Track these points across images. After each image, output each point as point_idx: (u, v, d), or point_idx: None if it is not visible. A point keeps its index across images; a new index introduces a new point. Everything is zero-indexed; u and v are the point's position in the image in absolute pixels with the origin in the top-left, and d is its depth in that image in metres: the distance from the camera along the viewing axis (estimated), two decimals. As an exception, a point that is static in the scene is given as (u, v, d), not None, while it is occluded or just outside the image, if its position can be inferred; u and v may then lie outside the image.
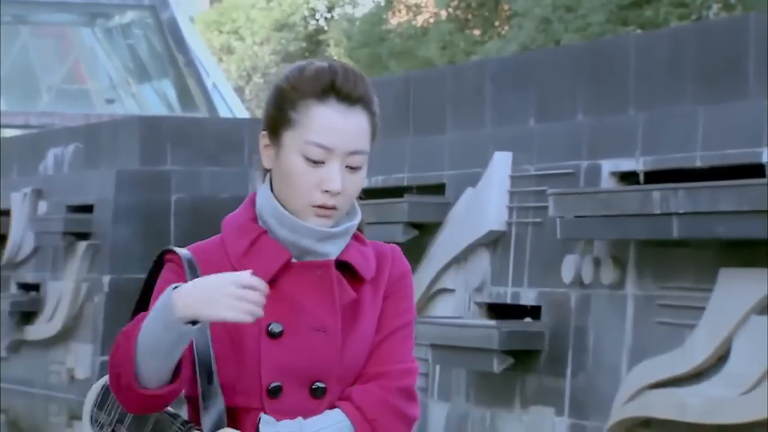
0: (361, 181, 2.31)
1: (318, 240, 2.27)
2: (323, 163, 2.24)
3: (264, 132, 2.30)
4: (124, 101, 24.82)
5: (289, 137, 2.25)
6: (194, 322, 2.16)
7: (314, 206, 2.25)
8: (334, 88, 2.25)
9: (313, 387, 2.24)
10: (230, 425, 2.24)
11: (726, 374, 7.09)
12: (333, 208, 2.26)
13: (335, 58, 26.52)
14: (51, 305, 13.47)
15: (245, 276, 2.14)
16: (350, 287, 2.31)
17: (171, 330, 2.16)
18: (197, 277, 2.23)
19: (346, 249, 2.32)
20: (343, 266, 2.32)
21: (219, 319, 2.15)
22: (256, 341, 2.24)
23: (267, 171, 2.31)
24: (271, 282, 2.25)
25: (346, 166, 2.26)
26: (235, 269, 2.25)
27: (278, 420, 2.24)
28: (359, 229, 2.38)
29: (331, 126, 2.25)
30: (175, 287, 2.21)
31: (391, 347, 2.32)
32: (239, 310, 2.13)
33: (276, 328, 2.24)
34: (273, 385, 2.24)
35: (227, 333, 2.25)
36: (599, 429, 7.85)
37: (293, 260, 2.29)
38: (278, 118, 2.27)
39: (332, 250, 2.28)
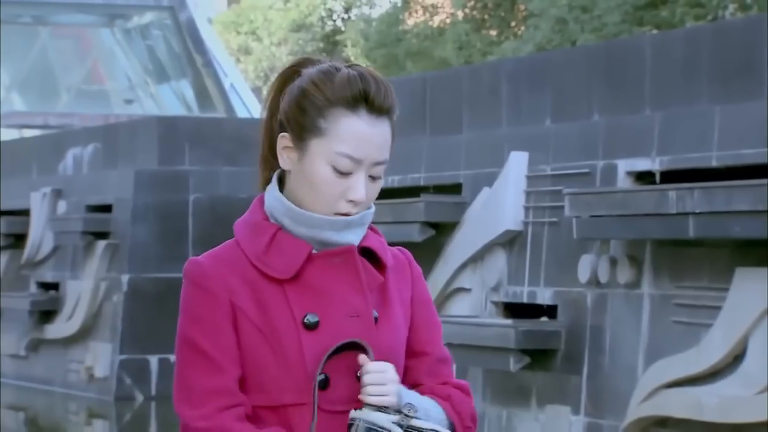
0: (379, 188, 2.31)
1: (338, 230, 2.27)
2: (350, 173, 2.25)
3: (285, 134, 2.28)
4: (143, 102, 24.91)
5: (316, 145, 2.24)
6: None
7: (337, 213, 2.26)
8: (367, 99, 2.25)
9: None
10: (282, 424, 2.24)
11: (742, 373, 7.10)
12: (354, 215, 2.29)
13: (352, 58, 26.55)
14: (70, 304, 13.54)
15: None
16: (377, 272, 2.31)
17: None
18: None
19: (366, 237, 2.32)
20: (364, 253, 2.32)
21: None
22: (295, 335, 2.24)
23: (271, 171, 2.31)
24: (296, 276, 2.26)
25: (369, 176, 2.27)
26: (256, 267, 2.25)
27: (332, 411, 2.25)
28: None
29: (362, 138, 2.25)
30: None
31: (448, 363, 2.37)
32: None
33: (312, 318, 2.24)
34: (321, 376, 2.23)
35: (261, 335, 2.25)
36: (615, 428, 7.87)
37: (314, 251, 2.28)
38: (305, 124, 2.25)
39: (353, 239, 2.29)
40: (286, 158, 2.31)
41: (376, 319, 2.30)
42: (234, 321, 2.27)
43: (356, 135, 2.26)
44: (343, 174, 2.27)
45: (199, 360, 2.26)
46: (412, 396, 2.28)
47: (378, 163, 2.29)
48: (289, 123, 2.30)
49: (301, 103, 2.28)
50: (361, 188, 2.27)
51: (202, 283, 2.28)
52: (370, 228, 2.37)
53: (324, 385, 2.26)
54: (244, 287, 2.28)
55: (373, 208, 2.36)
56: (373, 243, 2.35)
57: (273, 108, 2.34)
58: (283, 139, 2.31)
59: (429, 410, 2.29)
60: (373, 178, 2.30)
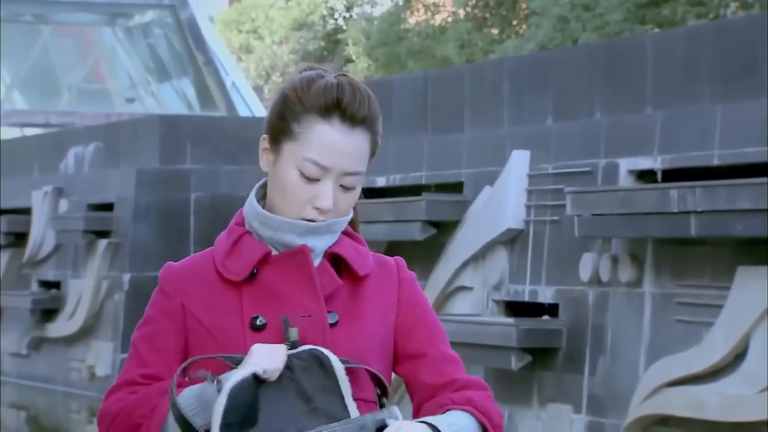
0: (353, 199, 2.31)
1: (300, 234, 2.28)
2: (318, 180, 2.26)
3: (265, 136, 2.32)
4: (144, 100, 24.91)
5: (288, 149, 2.27)
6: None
7: (303, 219, 2.28)
8: (340, 107, 2.25)
9: None
10: None
11: (743, 372, 7.10)
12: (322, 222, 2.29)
13: (353, 57, 26.53)
14: (72, 303, 13.54)
15: None
16: (336, 275, 2.31)
17: None
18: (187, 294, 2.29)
19: (337, 243, 2.33)
20: (337, 261, 2.33)
21: None
22: (242, 337, 2.27)
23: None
24: (252, 278, 2.29)
25: (341, 185, 2.28)
26: (218, 271, 2.30)
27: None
28: (353, 228, 2.39)
29: (331, 146, 2.25)
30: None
31: (454, 360, 2.35)
32: None
33: (260, 321, 2.27)
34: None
35: (210, 336, 2.29)
36: (617, 427, 7.87)
37: (273, 254, 2.31)
38: (280, 127, 2.28)
39: (316, 245, 2.30)
40: (264, 160, 2.36)
41: (337, 322, 2.30)
42: (183, 324, 2.33)
43: (326, 143, 2.28)
44: (310, 180, 2.29)
45: (130, 357, 2.35)
46: (441, 421, 2.25)
47: (349, 174, 2.30)
48: (269, 126, 2.35)
49: (280, 107, 2.32)
50: (327, 196, 2.28)
51: (162, 286, 2.36)
52: (349, 235, 2.37)
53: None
54: (200, 291, 2.33)
55: (348, 217, 2.36)
56: (344, 249, 2.35)
57: None
58: (263, 141, 2.35)
59: (463, 428, 2.28)
60: (345, 188, 2.30)
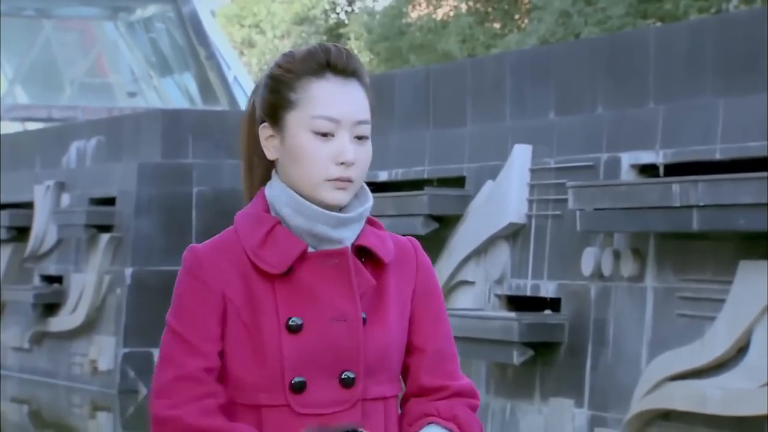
0: (369, 151, 2.30)
1: (333, 226, 2.26)
2: (333, 136, 2.25)
3: (264, 124, 2.30)
4: (146, 94, 24.91)
5: (292, 118, 2.26)
6: None
7: (330, 180, 2.25)
8: (329, 63, 2.27)
9: (342, 377, 2.24)
10: (255, 424, 2.24)
11: (746, 366, 7.10)
12: (348, 180, 2.26)
13: (355, 51, 26.52)
14: (74, 297, 13.55)
15: None
16: (369, 273, 2.30)
17: None
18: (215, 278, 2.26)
19: (362, 234, 2.31)
20: (361, 251, 2.31)
21: None
22: (277, 337, 2.24)
23: (263, 163, 2.30)
24: (288, 273, 2.26)
25: (355, 137, 2.26)
26: (250, 261, 2.26)
27: (305, 414, 2.24)
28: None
29: (334, 98, 2.26)
30: None
31: (452, 359, 2.34)
32: None
33: (295, 322, 2.24)
34: (296, 380, 2.23)
35: (246, 331, 2.25)
36: (619, 421, 7.87)
37: (309, 250, 2.28)
38: (277, 102, 2.28)
39: (348, 236, 2.28)
40: (271, 148, 2.32)
41: (365, 320, 2.28)
42: (223, 313, 2.28)
43: (328, 95, 2.28)
44: (325, 136, 2.27)
45: (178, 346, 2.27)
46: None
47: (359, 122, 2.29)
48: (264, 110, 2.32)
49: (270, 85, 2.31)
50: (348, 148, 2.27)
51: (196, 272, 2.29)
52: (369, 221, 2.35)
53: (300, 388, 2.26)
54: (238, 280, 2.28)
55: (371, 202, 2.35)
56: (371, 241, 2.32)
57: (251, 110, 2.36)
58: (264, 130, 2.32)
59: None
60: (359, 138, 2.29)
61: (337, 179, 2.27)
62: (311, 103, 2.28)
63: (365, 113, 2.30)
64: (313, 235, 2.30)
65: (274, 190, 2.32)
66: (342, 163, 2.27)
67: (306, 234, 2.30)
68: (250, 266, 2.29)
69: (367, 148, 2.30)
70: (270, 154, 2.32)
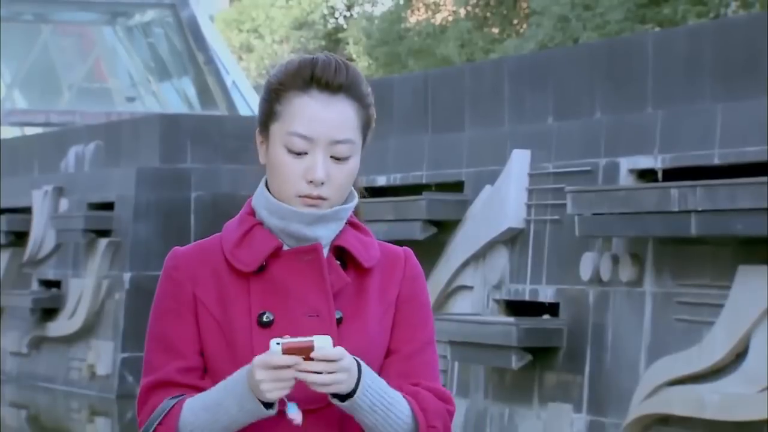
0: (349, 171, 2.28)
1: (307, 224, 2.27)
2: (306, 153, 2.25)
3: (258, 129, 2.33)
4: (145, 99, 24.92)
5: (275, 129, 2.27)
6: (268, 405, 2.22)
7: (301, 196, 2.26)
8: (314, 77, 2.26)
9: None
10: None
11: (744, 371, 7.10)
12: (319, 197, 2.26)
13: (354, 56, 26.53)
14: (72, 302, 13.54)
15: (269, 359, 2.18)
16: (352, 275, 2.29)
17: (249, 413, 2.21)
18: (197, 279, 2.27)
19: (341, 234, 2.31)
20: (342, 253, 2.31)
21: (271, 401, 2.20)
22: (248, 332, 2.25)
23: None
24: (261, 270, 2.27)
25: (332, 156, 2.25)
26: (227, 261, 2.29)
27: (282, 411, 2.21)
28: (357, 216, 2.36)
29: (312, 116, 2.25)
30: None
31: (426, 364, 2.31)
32: (278, 389, 2.18)
33: (268, 316, 2.25)
34: None
35: (218, 328, 2.27)
36: (617, 426, 7.87)
37: (285, 248, 2.29)
38: (266, 112, 2.30)
39: (324, 234, 2.28)
40: (261, 153, 2.35)
41: (341, 319, 2.28)
42: (195, 312, 2.31)
43: (306, 114, 2.27)
44: (299, 154, 2.27)
45: (156, 348, 2.31)
46: (377, 382, 2.23)
47: (337, 142, 2.27)
48: (258, 116, 2.35)
49: (264, 93, 2.33)
50: (318, 168, 2.26)
51: (171, 273, 2.33)
52: (354, 225, 2.35)
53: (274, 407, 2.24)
54: (209, 279, 2.31)
55: (354, 203, 2.34)
56: (349, 241, 2.32)
57: None
58: (258, 135, 2.35)
59: (392, 402, 2.23)
60: (337, 159, 2.28)
61: (306, 196, 2.28)
62: (290, 118, 2.28)
63: (346, 132, 2.28)
64: (289, 234, 2.30)
65: (256, 193, 2.36)
66: (311, 181, 2.27)
67: (283, 234, 2.31)
68: (226, 266, 2.31)
69: (347, 166, 2.29)
70: (261, 159, 2.35)
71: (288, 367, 2.17)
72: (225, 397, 2.23)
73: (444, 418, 2.31)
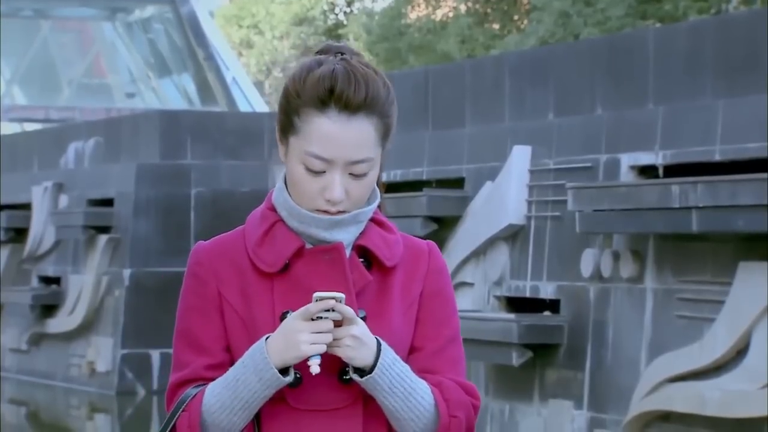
0: (367, 185, 2.27)
1: (326, 228, 2.26)
2: (324, 172, 2.23)
3: (278, 128, 2.31)
4: (144, 95, 24.91)
5: (293, 143, 2.26)
6: (284, 372, 2.22)
7: (319, 210, 2.25)
8: (333, 96, 2.22)
9: (341, 371, 2.22)
10: (254, 418, 2.24)
11: (745, 368, 7.09)
12: (338, 212, 2.25)
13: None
14: (72, 298, 13.53)
15: (310, 308, 2.19)
16: (375, 274, 2.29)
17: (268, 383, 2.22)
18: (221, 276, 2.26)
19: (365, 234, 2.30)
20: (366, 252, 2.30)
21: (302, 358, 2.20)
22: (272, 330, 2.23)
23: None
24: (285, 269, 2.27)
25: (350, 174, 2.24)
26: (250, 258, 2.28)
27: (300, 410, 2.23)
28: (380, 210, 2.35)
29: (330, 137, 2.22)
30: (267, 338, 2.25)
31: (451, 360, 2.31)
32: (316, 342, 2.18)
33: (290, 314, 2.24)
34: (295, 375, 2.21)
35: (243, 327, 2.26)
36: (618, 422, 7.86)
37: (307, 247, 2.28)
38: (285, 122, 2.27)
39: (344, 237, 2.27)
40: (280, 151, 2.33)
41: (364, 318, 2.27)
42: (220, 309, 2.30)
43: (324, 136, 2.25)
44: (317, 173, 2.26)
45: (183, 345, 2.31)
46: (399, 364, 2.23)
47: (355, 162, 2.26)
48: (277, 119, 2.34)
49: (282, 100, 2.31)
50: (335, 187, 2.25)
51: (195, 269, 2.33)
52: (378, 223, 2.34)
53: (296, 383, 2.25)
54: (234, 277, 2.31)
55: (374, 204, 2.33)
56: (372, 241, 2.32)
57: None
58: (278, 133, 2.33)
59: (414, 387, 2.23)
60: (355, 176, 2.27)
61: (324, 211, 2.27)
62: (308, 137, 2.26)
63: (364, 152, 2.27)
64: (308, 237, 2.31)
65: (276, 191, 2.34)
66: (328, 200, 2.26)
67: (305, 235, 2.31)
68: (249, 263, 2.30)
69: (365, 181, 2.28)
70: (281, 157, 2.34)
71: (324, 317, 2.19)
72: (243, 372, 2.23)
73: (468, 410, 2.30)
